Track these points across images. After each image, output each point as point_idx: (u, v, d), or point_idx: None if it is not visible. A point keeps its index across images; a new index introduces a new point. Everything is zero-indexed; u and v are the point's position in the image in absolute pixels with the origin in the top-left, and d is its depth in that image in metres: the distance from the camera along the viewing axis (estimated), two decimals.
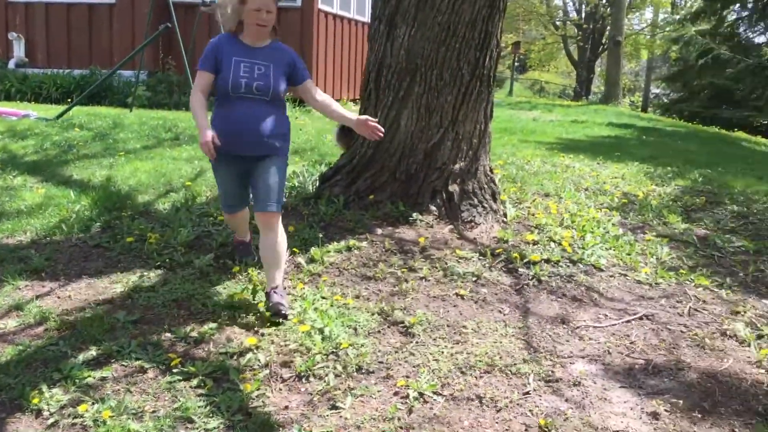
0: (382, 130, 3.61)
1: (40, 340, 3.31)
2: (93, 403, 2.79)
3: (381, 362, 3.20)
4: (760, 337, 3.60)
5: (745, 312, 3.90)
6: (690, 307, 3.94)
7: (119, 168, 6.41)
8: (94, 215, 4.93)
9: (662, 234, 5.20)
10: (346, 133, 4.77)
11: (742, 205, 6.19)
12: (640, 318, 3.78)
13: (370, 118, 3.64)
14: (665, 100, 29.87)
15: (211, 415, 2.75)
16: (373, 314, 3.66)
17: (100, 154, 6.99)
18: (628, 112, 21.35)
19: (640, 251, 4.76)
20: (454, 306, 3.83)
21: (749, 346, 3.50)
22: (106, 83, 11.52)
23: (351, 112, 3.77)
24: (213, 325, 3.47)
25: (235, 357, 3.19)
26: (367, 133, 3.66)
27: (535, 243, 4.68)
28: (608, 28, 29.52)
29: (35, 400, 2.79)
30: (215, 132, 3.52)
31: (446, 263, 4.29)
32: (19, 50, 13.19)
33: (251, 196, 3.83)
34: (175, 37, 9.78)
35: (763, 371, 3.25)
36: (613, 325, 3.70)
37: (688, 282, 4.31)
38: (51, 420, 2.70)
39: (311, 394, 2.94)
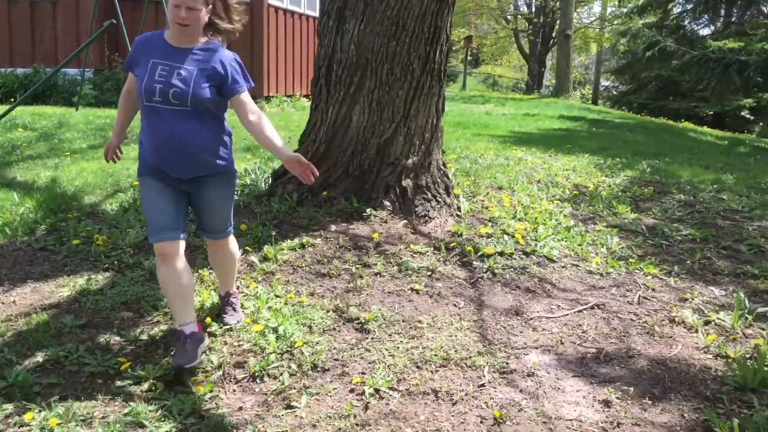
0: (317, 173, 3.09)
1: None
2: (40, 411, 2.71)
3: (336, 359, 3.18)
4: (707, 323, 3.69)
5: (692, 299, 3.99)
6: (639, 296, 4.02)
7: (65, 169, 6.24)
8: (39, 218, 4.80)
9: (612, 224, 5.29)
10: None
11: (689, 194, 6.35)
12: (592, 307, 3.84)
13: (302, 158, 3.08)
14: (614, 93, 30.52)
15: (162, 419, 2.70)
16: (327, 311, 3.64)
17: (45, 155, 6.80)
18: (578, 105, 21.73)
19: (591, 242, 4.84)
20: (409, 301, 3.83)
21: (697, 332, 3.58)
22: (51, 82, 11.21)
23: (284, 146, 3.14)
24: (163, 327, 3.41)
25: None
26: (297, 173, 3.08)
27: (488, 236, 4.71)
28: (558, 21, 29.93)
29: None
30: (142, 147, 3.13)
31: (401, 258, 4.29)
32: None
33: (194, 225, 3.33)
34: (122, 34, 9.57)
35: (710, 357, 3.33)
36: (565, 315, 3.74)
37: (637, 271, 4.39)
38: None
39: (266, 395, 2.91)
